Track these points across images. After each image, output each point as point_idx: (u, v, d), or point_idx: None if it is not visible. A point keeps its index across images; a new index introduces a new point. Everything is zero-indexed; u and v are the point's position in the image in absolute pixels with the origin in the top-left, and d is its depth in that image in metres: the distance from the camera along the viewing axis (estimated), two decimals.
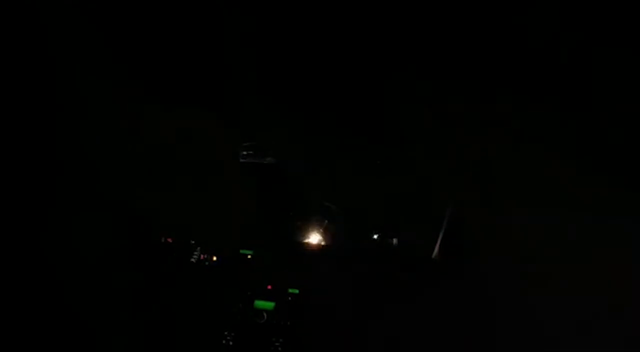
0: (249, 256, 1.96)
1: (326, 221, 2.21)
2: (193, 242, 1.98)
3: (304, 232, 2.20)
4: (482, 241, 1.92)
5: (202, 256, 1.96)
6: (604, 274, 1.72)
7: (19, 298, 1.68)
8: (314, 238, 2.20)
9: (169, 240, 1.97)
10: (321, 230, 2.21)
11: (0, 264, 1.66)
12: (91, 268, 1.81)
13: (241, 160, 2.17)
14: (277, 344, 1.73)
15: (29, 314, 1.67)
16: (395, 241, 2.17)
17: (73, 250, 1.80)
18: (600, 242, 1.79)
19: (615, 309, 1.68)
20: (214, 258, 1.96)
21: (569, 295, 1.72)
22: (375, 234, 2.19)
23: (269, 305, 1.81)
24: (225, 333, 1.75)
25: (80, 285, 1.77)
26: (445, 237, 2.06)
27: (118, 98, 1.93)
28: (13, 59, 1.63)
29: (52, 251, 1.76)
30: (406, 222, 2.17)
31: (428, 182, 2.09)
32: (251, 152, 2.14)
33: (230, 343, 1.73)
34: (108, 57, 1.86)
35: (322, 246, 2.17)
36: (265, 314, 1.79)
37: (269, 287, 1.86)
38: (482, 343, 1.73)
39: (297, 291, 1.84)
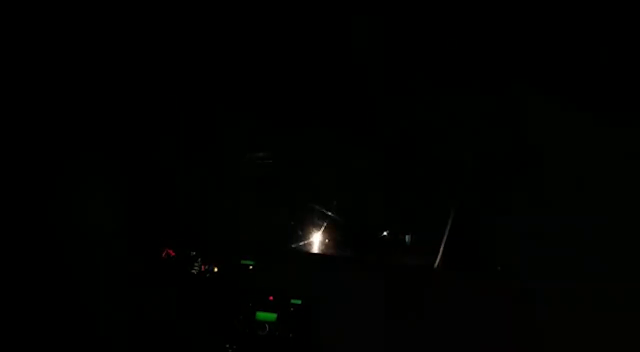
0: (251, 267, 1.95)
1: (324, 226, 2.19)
2: (194, 253, 1.97)
3: (305, 239, 2.19)
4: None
5: (203, 267, 1.95)
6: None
7: (21, 310, 1.66)
8: (315, 246, 2.19)
9: (170, 251, 1.95)
10: (321, 237, 2.19)
11: (4, 269, 1.65)
12: (93, 279, 1.80)
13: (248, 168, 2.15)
14: None
15: (31, 326, 1.65)
16: (408, 237, 2.14)
17: (75, 261, 1.78)
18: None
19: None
20: (215, 269, 1.95)
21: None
22: (385, 230, 2.16)
23: (271, 316, 1.79)
24: (227, 346, 1.73)
25: (82, 296, 1.76)
26: (447, 248, 2.05)
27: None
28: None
29: (54, 261, 1.75)
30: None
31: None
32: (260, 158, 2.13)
33: None
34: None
35: (324, 255, 2.16)
36: (267, 326, 1.76)
37: (271, 298, 1.84)
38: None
39: (299, 302, 1.82)
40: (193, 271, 1.94)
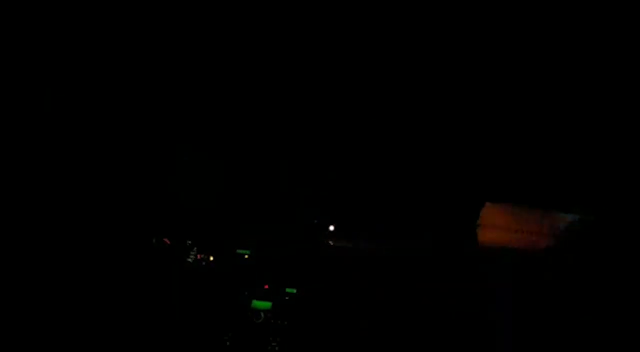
0: (246, 256, 1.96)
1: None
2: (190, 242, 1.98)
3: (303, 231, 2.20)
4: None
5: (198, 256, 1.96)
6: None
7: (17, 298, 1.68)
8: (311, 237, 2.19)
9: (166, 240, 1.96)
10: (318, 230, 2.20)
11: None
12: (88, 269, 1.81)
13: None
14: (274, 343, 1.74)
15: (27, 315, 1.67)
16: None
17: (70, 251, 1.79)
18: None
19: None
20: (211, 258, 1.96)
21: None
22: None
23: (267, 305, 1.81)
24: (223, 333, 1.75)
25: (77, 285, 1.77)
26: (444, 236, 2.06)
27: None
28: None
29: (50, 252, 1.76)
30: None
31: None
32: None
33: (228, 343, 1.74)
34: None
35: (320, 245, 2.17)
36: (262, 314, 1.79)
37: (266, 286, 1.86)
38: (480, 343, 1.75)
39: (294, 291, 1.85)
40: (189, 260, 1.95)
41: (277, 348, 1.74)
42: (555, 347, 1.72)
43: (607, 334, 1.69)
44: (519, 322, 1.77)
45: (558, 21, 1.69)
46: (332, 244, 2.06)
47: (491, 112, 1.98)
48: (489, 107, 1.98)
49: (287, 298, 1.84)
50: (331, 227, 2.07)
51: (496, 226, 1.96)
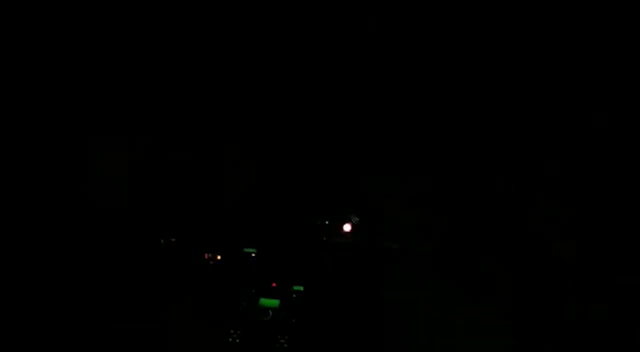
0: (253, 254, 1.98)
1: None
2: (197, 241, 1.99)
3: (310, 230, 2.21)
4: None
5: (206, 255, 1.97)
6: None
7: (21, 298, 1.69)
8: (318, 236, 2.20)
9: (173, 240, 1.97)
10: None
11: (4, 265, 1.67)
12: (96, 268, 1.82)
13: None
14: (282, 341, 1.75)
15: (32, 314, 1.68)
16: None
17: (78, 250, 1.81)
18: None
19: None
20: (218, 257, 1.97)
21: None
22: None
23: (274, 302, 1.82)
24: (231, 331, 1.77)
25: (85, 284, 1.78)
26: (444, 234, 2.08)
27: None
28: None
29: (57, 250, 1.77)
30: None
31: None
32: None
33: (237, 341, 1.75)
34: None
35: (327, 243, 2.18)
36: (270, 312, 1.80)
37: (274, 284, 1.88)
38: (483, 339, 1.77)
39: (301, 288, 1.86)
40: (197, 259, 1.96)
41: (285, 345, 1.75)
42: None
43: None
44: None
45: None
46: (339, 242, 2.07)
47: (491, 112, 2.01)
48: (490, 107, 2.01)
49: (294, 296, 1.85)
50: (346, 227, 2.08)
51: None
